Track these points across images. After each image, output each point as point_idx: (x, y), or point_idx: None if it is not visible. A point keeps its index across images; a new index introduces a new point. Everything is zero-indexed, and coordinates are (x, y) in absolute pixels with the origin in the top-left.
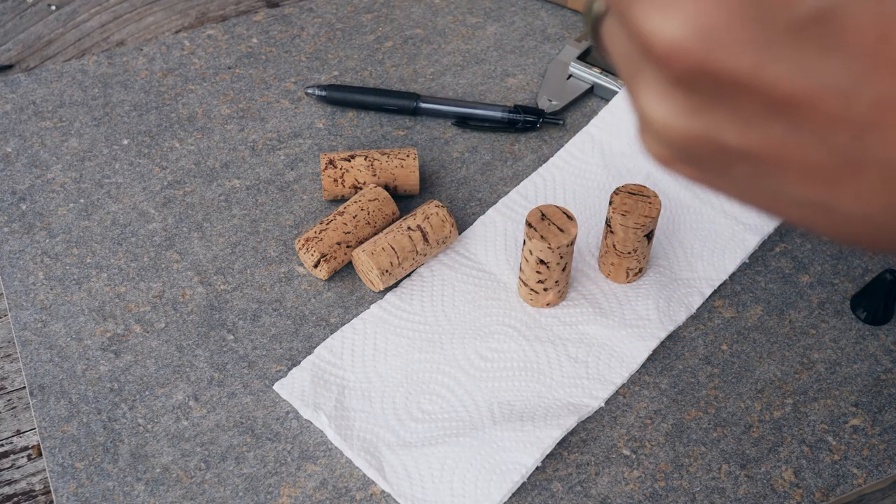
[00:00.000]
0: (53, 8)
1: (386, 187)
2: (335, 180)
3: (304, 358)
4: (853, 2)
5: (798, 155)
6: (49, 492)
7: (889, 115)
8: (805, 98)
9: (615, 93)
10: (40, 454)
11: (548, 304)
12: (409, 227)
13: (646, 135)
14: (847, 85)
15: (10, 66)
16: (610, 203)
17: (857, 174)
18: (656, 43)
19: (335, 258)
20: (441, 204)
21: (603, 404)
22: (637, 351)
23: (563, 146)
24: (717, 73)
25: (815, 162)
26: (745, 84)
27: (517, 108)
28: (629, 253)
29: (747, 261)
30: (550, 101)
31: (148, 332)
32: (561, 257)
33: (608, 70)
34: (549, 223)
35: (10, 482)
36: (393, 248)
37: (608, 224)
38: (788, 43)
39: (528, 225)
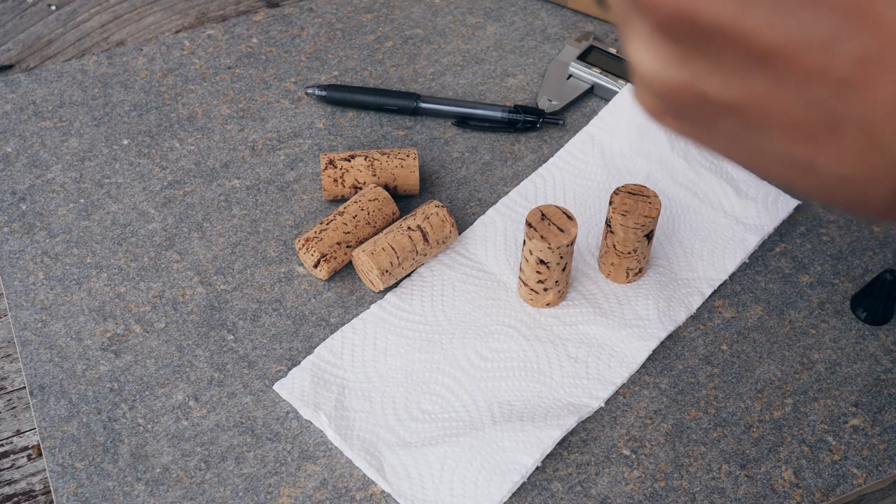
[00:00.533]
0: (53, 8)
1: (386, 187)
2: (335, 180)
3: (304, 358)
4: None
5: (779, 109)
6: (49, 492)
7: (870, 72)
8: (786, 49)
9: (615, 93)
10: (40, 454)
11: (548, 304)
12: (409, 227)
13: (638, 85)
14: (829, 38)
15: (10, 66)
16: (610, 203)
17: (837, 132)
18: None
19: (335, 258)
20: (441, 204)
21: (603, 404)
22: (637, 351)
23: (563, 146)
24: (698, 19)
25: (796, 117)
26: (725, 33)
27: (517, 108)
28: (629, 253)
29: (747, 261)
30: (550, 101)
31: (148, 332)
32: (561, 257)
33: (608, 70)
34: (549, 223)
35: (10, 482)
36: (393, 248)
37: (608, 224)
38: None
39: (528, 225)
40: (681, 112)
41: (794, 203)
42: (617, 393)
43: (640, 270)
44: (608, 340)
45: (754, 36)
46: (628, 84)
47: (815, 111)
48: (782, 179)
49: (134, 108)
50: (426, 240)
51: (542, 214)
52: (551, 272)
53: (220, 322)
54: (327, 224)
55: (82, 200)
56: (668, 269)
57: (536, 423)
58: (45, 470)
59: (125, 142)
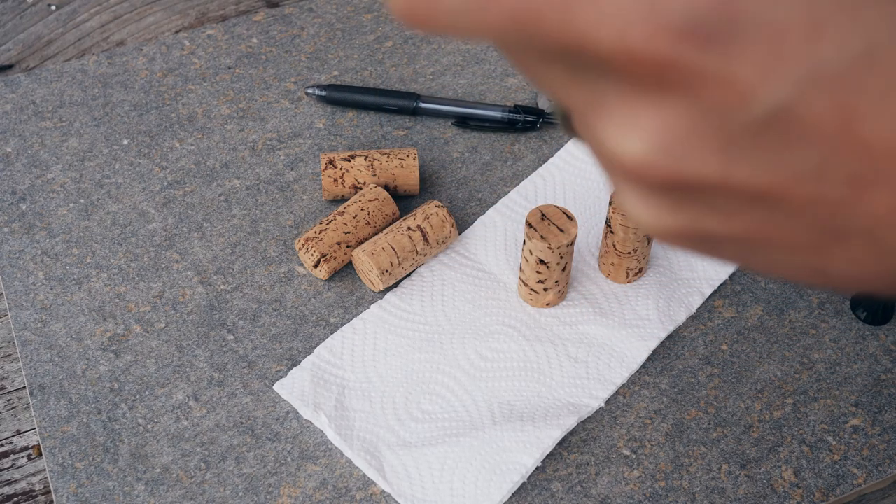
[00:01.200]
0: (53, 8)
1: (386, 187)
2: (335, 180)
3: (304, 358)
4: (806, 96)
5: (782, 234)
6: (49, 492)
7: (864, 188)
8: (777, 189)
9: None
10: (40, 454)
11: (548, 304)
12: (409, 227)
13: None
14: (817, 169)
15: (10, 66)
16: (610, 203)
17: (842, 243)
18: (623, 161)
19: (335, 258)
20: (441, 204)
21: (603, 404)
22: (637, 351)
23: (563, 146)
24: (687, 180)
25: (800, 238)
26: (716, 186)
27: (517, 108)
28: (629, 253)
29: None
30: (550, 100)
31: (148, 332)
32: (561, 257)
33: None
34: (549, 223)
35: (10, 482)
36: (393, 248)
37: (608, 224)
38: (751, 143)
39: (529, 225)
40: (686, 244)
41: None
42: (617, 393)
43: (640, 270)
44: (608, 340)
45: (745, 184)
46: None
47: (817, 230)
48: (799, 282)
49: (134, 108)
50: (426, 240)
51: (543, 214)
52: (551, 272)
53: (220, 322)
54: (327, 224)
55: (82, 200)
56: (668, 269)
57: (536, 423)
58: (45, 470)
59: (125, 142)
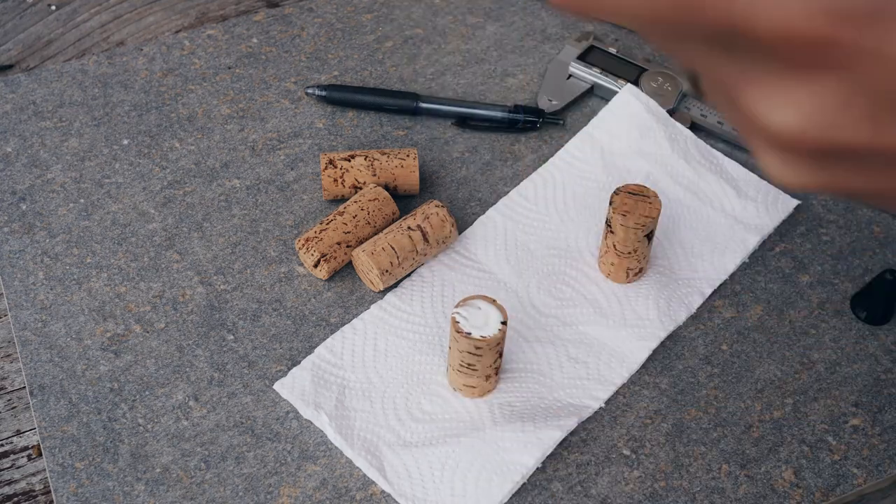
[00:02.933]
0: (53, 8)
1: (386, 187)
2: (335, 180)
3: (304, 358)
4: None
5: None
6: (49, 492)
7: None
8: None
9: (615, 93)
10: (40, 454)
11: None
12: (409, 227)
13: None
14: None
15: (10, 66)
16: (610, 203)
17: None
18: (776, 132)
19: (335, 258)
20: (441, 204)
21: (603, 405)
22: (637, 351)
23: (563, 146)
24: (837, 147)
25: None
26: (864, 150)
27: (517, 108)
28: (629, 253)
29: (747, 261)
30: (550, 101)
31: (148, 332)
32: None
33: (608, 70)
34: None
35: (10, 482)
36: (393, 248)
37: (608, 224)
38: None
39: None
40: (822, 192)
41: (793, 203)
42: (617, 393)
43: (640, 270)
44: (608, 340)
45: (892, 146)
46: (628, 84)
47: None
48: None
49: (134, 108)
50: (426, 240)
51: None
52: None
53: (220, 322)
54: (327, 224)
55: (82, 200)
56: (668, 269)
57: (537, 423)
58: (45, 470)
59: (125, 142)
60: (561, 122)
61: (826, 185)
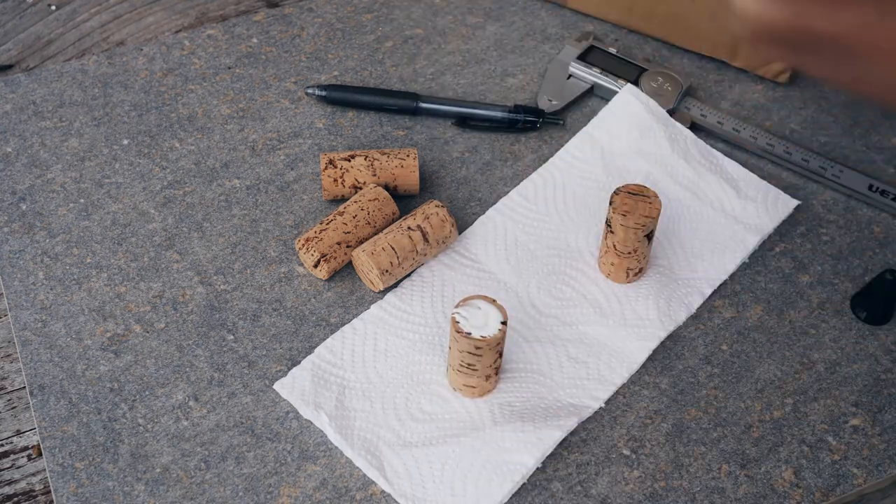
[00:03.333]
0: (53, 8)
1: (386, 187)
2: (335, 180)
3: (304, 358)
4: None
5: (887, 36)
6: (49, 492)
7: None
8: None
9: (615, 93)
10: (40, 454)
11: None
12: (409, 227)
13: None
14: None
15: (10, 66)
16: (610, 203)
17: None
18: None
19: (335, 258)
20: (441, 204)
21: (603, 405)
22: (637, 351)
23: (563, 146)
24: None
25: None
26: None
27: (517, 108)
28: (629, 253)
29: (747, 261)
30: (550, 101)
31: (148, 332)
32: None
33: (608, 70)
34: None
35: (10, 482)
36: (393, 248)
37: (608, 224)
38: None
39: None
40: (786, 43)
41: (794, 203)
42: (617, 393)
43: (640, 270)
44: (608, 340)
45: None
46: (628, 84)
47: None
48: (882, 102)
49: (134, 108)
50: (426, 240)
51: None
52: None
53: (220, 322)
54: (327, 224)
55: (82, 200)
56: (668, 269)
57: (537, 423)
58: (45, 470)
59: (125, 142)
60: (561, 122)
61: (791, 22)
